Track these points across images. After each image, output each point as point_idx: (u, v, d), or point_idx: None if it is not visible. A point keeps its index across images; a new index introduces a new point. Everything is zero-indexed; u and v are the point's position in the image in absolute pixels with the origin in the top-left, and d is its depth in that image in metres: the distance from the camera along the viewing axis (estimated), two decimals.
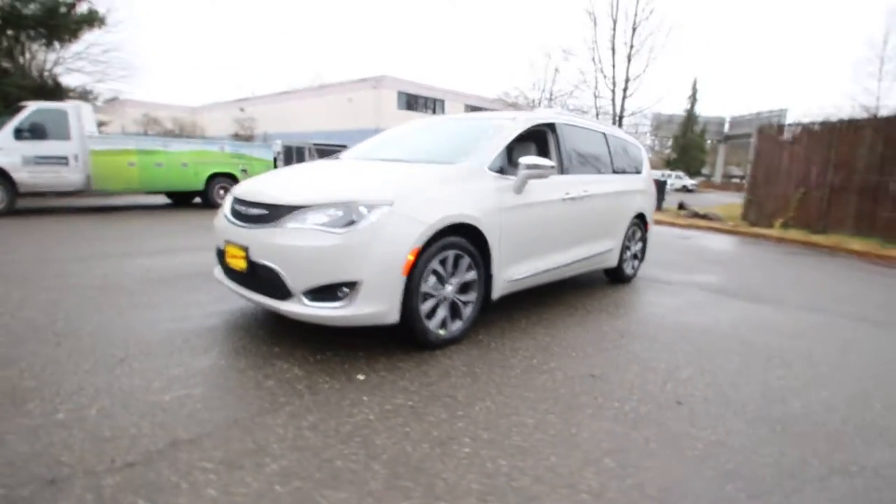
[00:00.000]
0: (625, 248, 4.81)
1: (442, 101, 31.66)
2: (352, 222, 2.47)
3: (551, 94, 25.15)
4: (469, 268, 2.93)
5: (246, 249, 2.68)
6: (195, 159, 9.56)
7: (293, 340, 2.83)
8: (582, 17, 18.14)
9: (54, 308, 3.22)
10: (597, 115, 16.99)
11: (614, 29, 15.37)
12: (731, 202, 19.66)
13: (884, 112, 25.41)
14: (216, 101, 36.46)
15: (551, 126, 3.84)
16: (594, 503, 1.61)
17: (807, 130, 10.79)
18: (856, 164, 9.64)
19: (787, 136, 11.13)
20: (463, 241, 2.84)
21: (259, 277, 2.66)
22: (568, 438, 1.98)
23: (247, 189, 3.03)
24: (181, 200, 10.50)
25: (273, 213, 2.65)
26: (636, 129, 26.48)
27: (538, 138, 3.75)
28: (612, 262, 4.66)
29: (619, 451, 1.91)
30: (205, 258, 4.92)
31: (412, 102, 30.00)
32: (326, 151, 19.85)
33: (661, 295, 4.54)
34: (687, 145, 44.00)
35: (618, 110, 15.89)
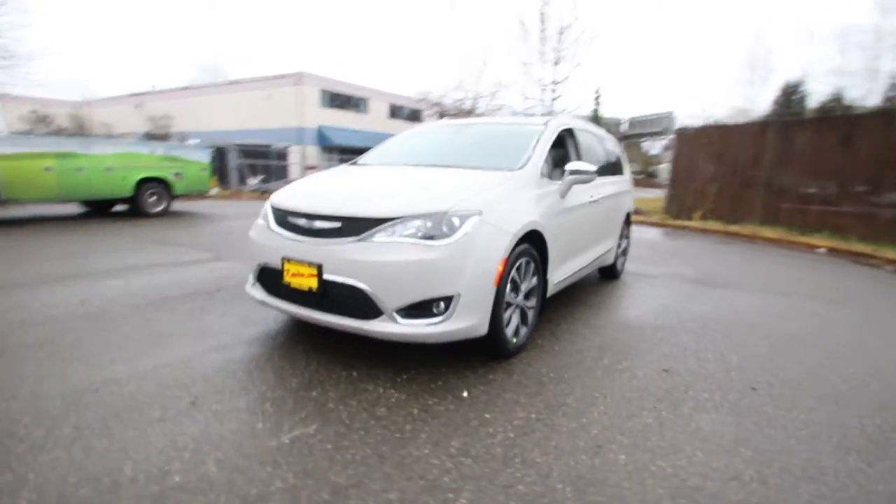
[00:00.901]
0: (618, 245, 5.11)
1: (366, 100, 30.95)
2: (446, 234, 2.38)
3: (476, 95, 25.75)
4: (533, 273, 2.95)
5: (319, 267, 2.46)
6: (122, 163, 8.44)
7: (361, 361, 2.66)
8: (510, 20, 18.85)
9: (58, 349, 2.70)
10: (539, 115, 17.78)
11: (543, 32, 16.15)
12: (640, 197, 21.67)
13: (755, 114, 29.38)
14: (111, 96, 32.37)
15: (570, 131, 3.97)
16: (765, 490, 1.72)
17: (720, 130, 12.18)
18: (762, 161, 11.08)
19: (703, 136, 12.47)
20: (530, 248, 2.86)
21: (335, 297, 2.47)
22: (696, 432, 2.10)
23: (302, 200, 2.77)
24: (100, 209, 9.23)
25: (352, 227, 2.46)
26: None
27: (560, 143, 3.86)
28: (610, 259, 4.93)
29: (745, 440, 2.06)
30: (182, 275, 4.43)
31: (335, 100, 28.98)
32: (254, 153, 18.61)
33: (655, 288, 4.90)
34: None
35: (547, 111, 16.72)
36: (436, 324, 2.37)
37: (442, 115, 20.30)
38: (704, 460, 1.89)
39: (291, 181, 4.07)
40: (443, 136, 4.07)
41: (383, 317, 2.39)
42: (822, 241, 8.77)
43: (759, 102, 42.34)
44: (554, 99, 16.07)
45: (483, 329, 2.52)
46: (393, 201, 2.57)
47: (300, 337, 3.01)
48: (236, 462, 1.74)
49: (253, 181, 18.22)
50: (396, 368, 2.59)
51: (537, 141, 3.38)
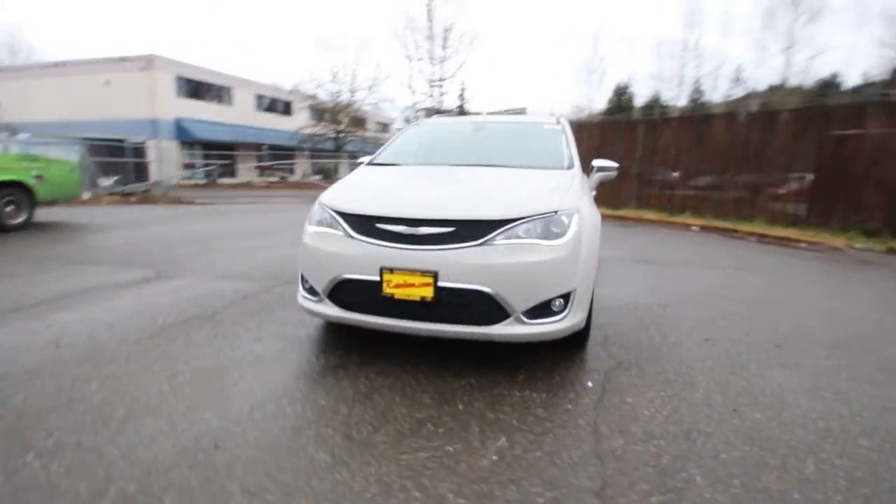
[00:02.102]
0: None
1: (230, 90, 27.95)
2: (558, 233, 2.45)
3: (353, 87, 25.14)
4: None
5: (435, 275, 2.33)
6: None
7: (459, 370, 2.60)
8: (393, 13, 18.69)
9: (100, 415, 2.11)
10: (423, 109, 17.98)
11: (430, 31, 16.46)
12: None
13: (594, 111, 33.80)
14: None
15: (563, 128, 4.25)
16: (840, 408, 2.18)
17: (599, 126, 13.84)
18: (635, 153, 12.90)
19: (584, 131, 14.04)
20: None
21: (453, 304, 2.37)
22: (770, 383, 2.52)
23: (390, 205, 2.58)
24: None
25: (469, 231, 2.38)
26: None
27: None
28: None
29: (825, 389, 2.55)
30: (148, 299, 3.73)
31: (195, 89, 25.65)
32: (104, 149, 15.71)
33: (616, 271, 5.49)
34: None
35: (435, 105, 17.16)
36: (558, 321, 2.43)
37: (432, 112, 19.42)
38: (786, 398, 2.31)
39: (156, 182, 3.49)
40: (462, 133, 4.05)
41: (509, 319, 2.37)
42: (693, 220, 10.61)
43: (597, 101, 48.78)
44: (442, 94, 16.55)
45: (583, 323, 2.64)
46: (505, 203, 2.54)
47: (366, 350, 2.80)
48: (480, 488, 1.63)
49: (106, 182, 15.41)
50: (505, 370, 2.59)
51: (566, 140, 3.59)
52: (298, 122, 26.14)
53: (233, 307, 3.57)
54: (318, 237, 2.69)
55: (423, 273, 2.35)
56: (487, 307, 2.36)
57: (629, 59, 64.39)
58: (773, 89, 38.96)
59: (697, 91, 40.67)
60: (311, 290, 2.73)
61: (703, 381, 2.55)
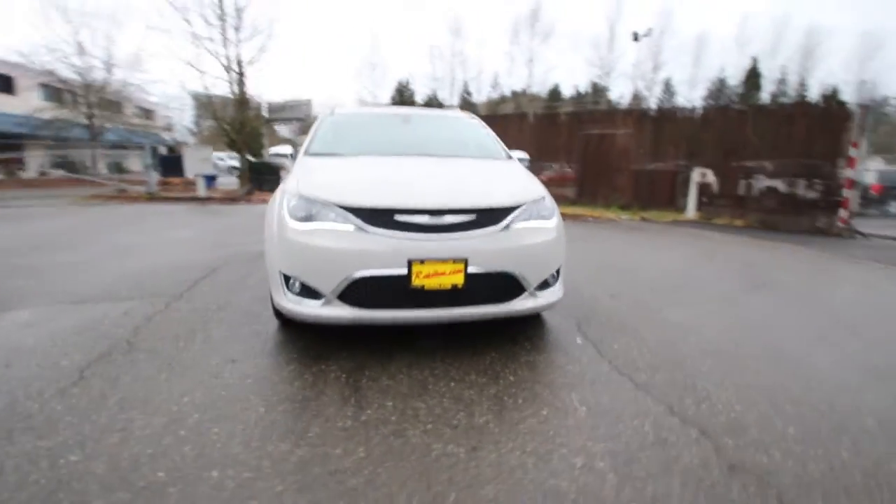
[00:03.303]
0: None
1: None
2: (546, 216, 2.80)
3: (109, 64, 20.45)
4: None
5: (465, 262, 2.41)
6: None
7: (477, 350, 2.76)
8: None
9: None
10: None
11: (222, 9, 14.42)
12: None
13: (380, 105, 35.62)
14: None
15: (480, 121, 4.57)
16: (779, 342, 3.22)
17: (490, 120, 14.56)
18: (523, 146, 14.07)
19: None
20: None
21: (479, 288, 2.49)
22: (760, 316, 3.44)
23: (405, 197, 2.49)
24: None
25: (489, 218, 2.52)
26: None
27: None
28: None
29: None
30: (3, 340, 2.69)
31: None
32: None
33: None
34: (243, 127, 45.33)
35: (236, 90, 15.30)
36: (555, 291, 2.80)
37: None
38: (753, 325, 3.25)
39: None
40: (392, 124, 3.97)
41: (524, 295, 2.62)
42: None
43: (380, 97, 50.77)
44: (241, 77, 14.86)
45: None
46: (508, 191, 2.74)
47: (374, 354, 2.67)
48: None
49: None
50: (512, 344, 2.84)
51: (490, 132, 3.94)
52: (28, 104, 19.48)
53: (146, 332, 2.80)
54: (315, 234, 2.41)
55: (455, 261, 2.40)
56: (508, 287, 2.57)
57: (408, 58, 68.77)
58: (518, 95, 47.30)
59: (466, 92, 46.34)
60: (308, 293, 2.44)
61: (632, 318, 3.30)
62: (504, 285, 2.55)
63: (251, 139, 15.70)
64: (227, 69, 14.81)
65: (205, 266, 4.57)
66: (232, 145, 15.97)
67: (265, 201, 12.64)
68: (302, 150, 3.42)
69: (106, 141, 20.15)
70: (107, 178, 15.70)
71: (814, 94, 43.03)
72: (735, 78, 44.99)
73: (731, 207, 10.52)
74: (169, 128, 29.61)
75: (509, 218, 2.58)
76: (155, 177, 12.09)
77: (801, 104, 12.83)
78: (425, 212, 2.44)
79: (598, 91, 47.23)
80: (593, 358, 2.66)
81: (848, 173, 9.21)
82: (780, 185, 10.21)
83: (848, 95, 39.08)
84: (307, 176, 2.79)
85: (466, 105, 44.04)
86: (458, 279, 2.42)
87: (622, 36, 43.45)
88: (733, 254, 6.24)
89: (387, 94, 51.47)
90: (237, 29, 14.97)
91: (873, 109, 9.36)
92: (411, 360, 2.55)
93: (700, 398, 2.21)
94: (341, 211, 2.43)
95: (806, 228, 9.31)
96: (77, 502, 1.46)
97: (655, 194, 11.56)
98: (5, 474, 1.57)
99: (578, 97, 48.62)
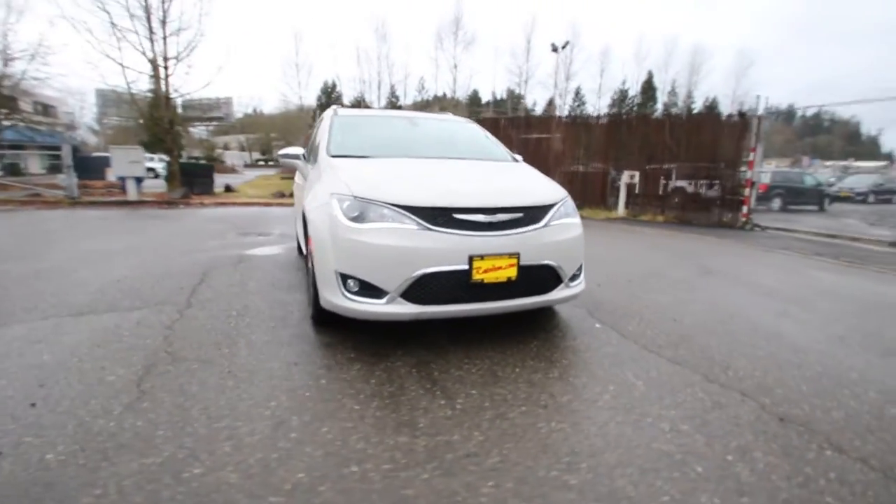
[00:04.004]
0: None
1: None
2: (572, 213, 3.06)
3: (6, 56, 17.80)
4: None
5: (518, 256, 2.60)
6: None
7: (518, 337, 2.95)
8: None
9: None
10: (131, 94, 14.14)
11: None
12: (244, 180, 22.12)
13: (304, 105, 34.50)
14: None
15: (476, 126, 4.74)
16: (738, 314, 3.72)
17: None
18: None
19: None
20: None
21: (528, 280, 2.68)
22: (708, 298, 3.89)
23: (461, 197, 2.62)
24: None
25: (533, 215, 2.72)
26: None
27: None
28: None
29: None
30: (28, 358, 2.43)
31: None
32: None
33: None
34: (172, 126, 41.49)
35: (161, 87, 13.99)
36: (581, 282, 3.07)
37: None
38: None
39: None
40: (401, 127, 4.02)
41: (561, 286, 2.86)
42: None
43: (306, 98, 49.11)
44: (168, 75, 13.67)
45: None
46: (543, 191, 2.95)
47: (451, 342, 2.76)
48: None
49: None
50: (544, 332, 3.06)
51: (493, 137, 4.14)
52: None
53: (179, 341, 2.63)
54: (378, 234, 2.46)
55: (510, 255, 2.58)
56: (550, 278, 2.79)
57: (335, 60, 66.75)
58: (440, 99, 48.18)
59: (394, 95, 46.24)
60: (369, 292, 2.48)
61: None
62: (546, 277, 2.77)
63: (176, 139, 14.51)
64: (154, 65, 13.55)
65: (189, 273, 4.28)
66: (153, 145, 14.68)
67: (205, 205, 11.96)
68: (321, 150, 3.38)
69: (2, 140, 17.51)
70: (18, 182, 13.66)
71: (699, 104, 48.56)
72: (634, 89, 49.44)
73: (653, 206, 11.71)
74: (72, 126, 26.29)
75: (549, 215, 2.81)
76: (75, 179, 10.77)
77: (710, 115, 14.56)
78: (482, 210, 2.58)
79: (513, 97, 49.49)
80: (619, 340, 2.96)
81: (748, 174, 10.66)
82: (691, 185, 11.57)
83: (726, 107, 44.63)
84: (349, 177, 2.80)
85: (394, 108, 43.97)
86: (512, 272, 2.60)
87: (537, 47, 45.96)
88: (670, 245, 7.01)
89: (312, 94, 49.84)
90: (164, 22, 13.77)
91: (768, 119, 10.94)
92: (465, 352, 2.67)
93: (724, 367, 2.59)
94: (400, 211, 2.50)
95: (715, 223, 10.64)
96: None
97: (588, 194, 12.51)
98: (128, 495, 1.48)
99: (497, 103, 50.58)
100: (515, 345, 2.81)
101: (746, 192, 10.57)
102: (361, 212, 2.53)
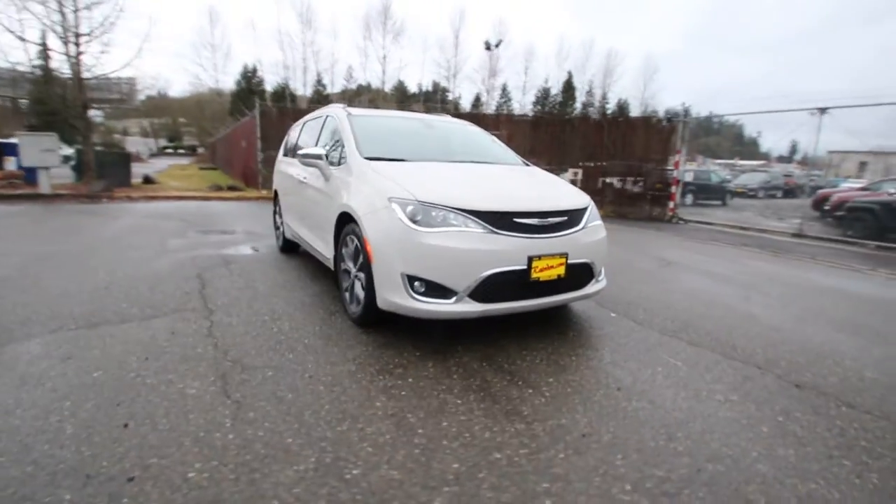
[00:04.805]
0: None
1: None
2: (598, 216, 3.36)
3: None
4: None
5: (566, 255, 2.84)
6: None
7: (561, 334, 3.21)
8: None
9: None
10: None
11: None
12: (154, 169, 20.38)
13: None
14: None
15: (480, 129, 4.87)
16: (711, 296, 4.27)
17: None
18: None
19: (288, 117, 13.73)
20: None
21: (572, 277, 2.94)
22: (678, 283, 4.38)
23: (516, 202, 2.81)
24: None
25: (574, 218, 2.98)
26: None
27: None
28: None
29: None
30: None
31: None
32: None
33: None
34: (85, 111, 36.14)
35: (77, 69, 12.33)
36: (604, 278, 3.38)
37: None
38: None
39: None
40: (418, 130, 4.07)
41: (592, 281, 3.15)
42: None
43: (224, 82, 45.80)
44: (80, 53, 12.11)
45: None
46: (576, 195, 3.21)
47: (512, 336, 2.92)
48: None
49: None
50: (568, 327, 3.34)
51: (499, 140, 4.34)
52: None
53: (234, 349, 2.54)
54: (446, 237, 2.57)
55: (560, 255, 2.82)
56: (586, 275, 3.07)
57: (256, 42, 62.54)
58: (363, 89, 47.42)
59: (320, 84, 44.52)
60: (438, 292, 2.59)
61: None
62: (583, 274, 3.05)
63: (90, 125, 13.00)
64: (65, 41, 11.95)
65: (181, 276, 4.03)
66: (54, 131, 13.02)
67: (133, 199, 10.88)
68: (351, 152, 3.37)
69: None
70: None
71: (612, 105, 52.31)
72: (556, 88, 52.08)
73: (594, 201, 12.65)
74: None
75: (585, 218, 3.08)
76: None
77: (643, 118, 15.85)
78: (536, 214, 2.79)
79: (438, 91, 50.00)
80: (637, 327, 3.33)
81: (675, 173, 11.89)
82: (626, 182, 12.65)
83: (635, 108, 48.60)
84: (404, 181, 2.86)
85: (321, 97, 42.35)
86: (562, 270, 2.84)
87: (465, 41, 46.67)
88: (620, 239, 7.65)
89: (230, 79, 46.57)
90: None
91: (691, 122, 12.24)
92: (518, 345, 2.87)
93: (732, 346, 3.03)
94: (465, 215, 2.63)
95: (647, 216, 11.79)
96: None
97: None
98: (309, 501, 1.51)
99: (425, 96, 50.71)
100: (556, 335, 3.07)
101: (673, 189, 11.80)
102: (425, 216, 2.62)
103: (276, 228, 5.61)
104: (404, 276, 2.61)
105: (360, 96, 44.48)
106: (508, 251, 2.65)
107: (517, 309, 2.81)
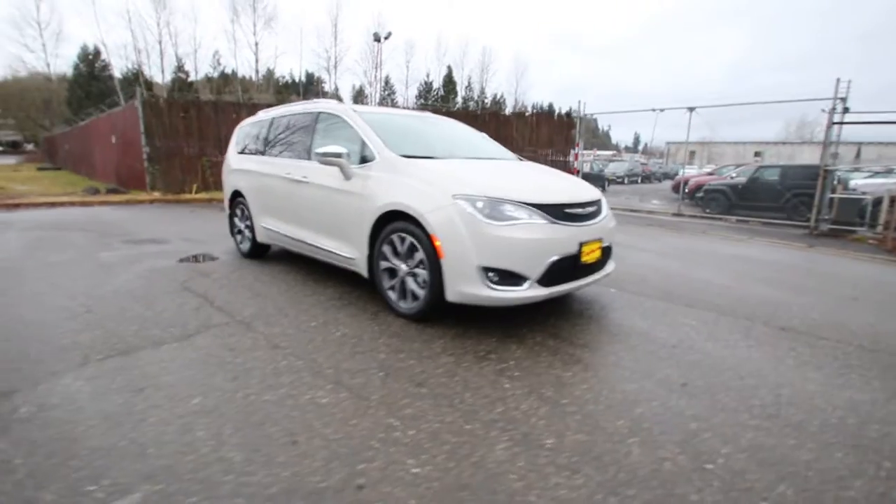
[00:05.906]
0: None
1: None
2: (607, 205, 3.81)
3: None
4: None
5: (601, 240, 3.23)
6: None
7: (585, 314, 3.60)
8: None
9: None
10: None
11: None
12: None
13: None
14: None
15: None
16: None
17: (195, 105, 12.41)
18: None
19: (177, 108, 12.23)
20: None
21: (601, 259, 3.34)
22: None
23: (563, 194, 3.13)
24: None
25: (599, 207, 3.37)
26: None
27: None
28: None
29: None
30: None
31: None
32: None
33: None
34: None
35: None
36: (613, 261, 3.85)
37: None
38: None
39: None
40: (425, 127, 4.14)
41: (609, 262, 3.60)
42: None
43: (57, 66, 38.53)
44: None
45: None
46: (593, 188, 3.57)
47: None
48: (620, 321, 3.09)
49: None
50: (580, 317, 3.76)
51: (487, 137, 4.58)
52: None
53: (322, 364, 2.45)
54: (518, 228, 2.78)
55: (599, 241, 3.20)
56: (607, 257, 3.50)
57: (98, 22, 53.28)
58: (230, 78, 43.81)
59: (182, 70, 39.72)
60: (511, 280, 2.80)
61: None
62: (607, 256, 3.48)
63: None
64: None
65: (163, 291, 3.63)
66: None
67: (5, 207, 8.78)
68: (378, 150, 3.37)
69: None
70: None
71: (489, 100, 55.32)
72: (438, 82, 53.43)
73: None
74: None
75: (604, 206, 3.50)
76: None
77: (547, 114, 17.10)
78: (580, 205, 3.13)
79: (314, 82, 48.25)
80: (640, 299, 3.87)
81: (574, 164, 13.28)
82: None
83: (510, 103, 52.06)
84: (463, 177, 2.99)
85: (184, 84, 37.88)
86: (599, 253, 3.23)
87: (345, 31, 45.35)
88: None
89: (65, 63, 39.33)
90: None
91: (587, 119, 13.65)
92: (551, 331, 3.17)
93: (716, 305, 3.71)
94: (531, 209, 2.86)
95: None
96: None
97: None
98: (659, 488, 1.66)
99: (305, 87, 48.40)
100: (577, 317, 3.43)
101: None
102: (493, 210, 2.80)
103: (237, 233, 5.18)
104: (479, 267, 2.75)
105: (229, 85, 40.86)
106: (566, 239, 2.95)
107: (569, 290, 3.12)
